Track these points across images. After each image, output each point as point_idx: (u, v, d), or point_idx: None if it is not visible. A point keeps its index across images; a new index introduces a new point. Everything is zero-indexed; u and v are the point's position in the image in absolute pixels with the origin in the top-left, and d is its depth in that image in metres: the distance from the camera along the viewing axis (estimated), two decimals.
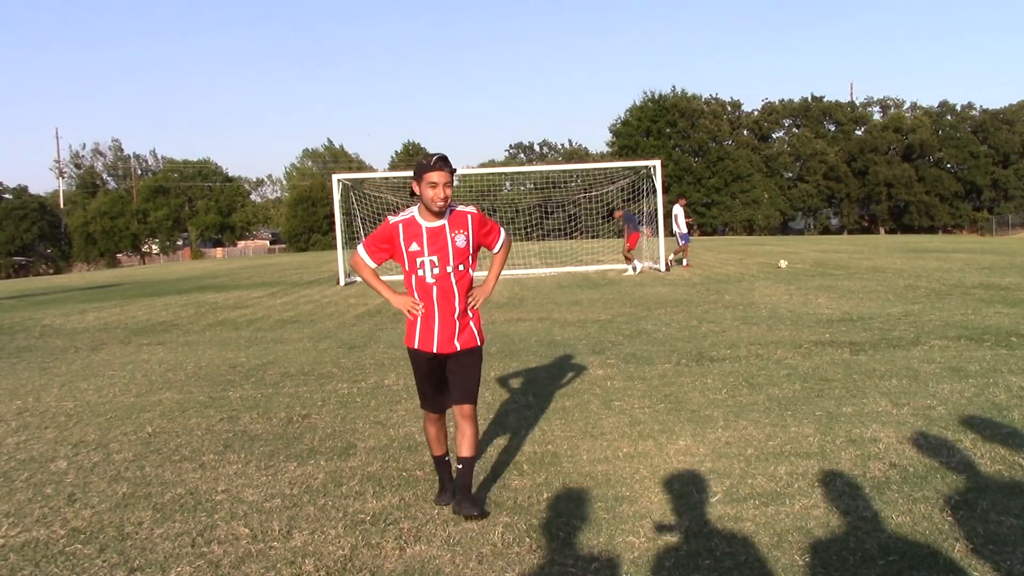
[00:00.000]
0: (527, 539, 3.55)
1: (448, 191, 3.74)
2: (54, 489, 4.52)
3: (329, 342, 9.66)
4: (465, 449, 3.91)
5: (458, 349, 3.89)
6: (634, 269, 18.91)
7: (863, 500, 3.82)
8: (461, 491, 3.88)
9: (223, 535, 3.74)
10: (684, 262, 20.20)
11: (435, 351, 3.87)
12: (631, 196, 24.98)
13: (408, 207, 3.93)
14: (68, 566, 3.47)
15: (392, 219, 3.88)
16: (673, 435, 5.02)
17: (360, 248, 3.96)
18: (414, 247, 3.80)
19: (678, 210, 20.06)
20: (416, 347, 3.89)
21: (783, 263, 19.33)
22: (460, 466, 3.91)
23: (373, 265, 3.93)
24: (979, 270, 15.95)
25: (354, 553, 3.48)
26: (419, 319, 3.86)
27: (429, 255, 3.79)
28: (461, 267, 3.86)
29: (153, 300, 16.99)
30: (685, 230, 19.94)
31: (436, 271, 3.81)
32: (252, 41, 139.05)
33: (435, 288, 3.83)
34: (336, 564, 3.38)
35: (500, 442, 5.09)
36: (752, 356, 7.51)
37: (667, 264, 19.66)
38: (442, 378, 3.98)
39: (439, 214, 3.78)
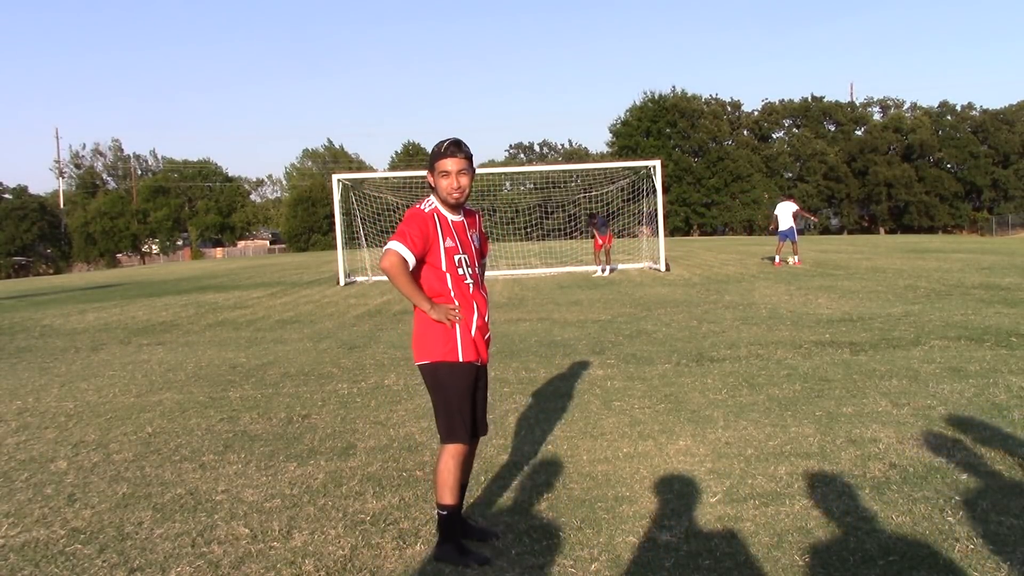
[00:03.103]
0: (527, 539, 3.55)
1: (464, 180, 3.33)
2: (54, 489, 4.52)
3: (329, 342, 9.66)
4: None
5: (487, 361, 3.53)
6: (601, 271, 19.06)
7: (863, 500, 3.82)
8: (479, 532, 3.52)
9: (223, 535, 3.74)
10: (776, 259, 19.45)
11: (480, 361, 3.44)
12: (631, 196, 25.01)
13: (425, 198, 3.47)
14: (68, 566, 3.47)
15: (422, 207, 3.39)
16: (673, 435, 5.02)
17: (395, 244, 3.26)
18: (449, 242, 3.36)
19: (781, 207, 19.41)
20: (461, 359, 3.35)
21: (792, 259, 19.61)
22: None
23: (413, 261, 3.28)
24: (979, 270, 15.95)
25: (354, 553, 3.48)
26: (458, 326, 3.36)
27: (463, 252, 3.41)
28: (478, 269, 3.53)
29: (153, 300, 16.99)
30: (783, 227, 19.20)
31: (469, 270, 3.44)
32: (252, 41, 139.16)
33: (471, 288, 3.43)
34: (336, 564, 3.38)
35: (500, 442, 5.09)
36: (752, 356, 7.51)
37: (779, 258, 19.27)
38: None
39: (456, 207, 3.41)
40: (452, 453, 3.36)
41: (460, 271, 3.39)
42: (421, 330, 3.39)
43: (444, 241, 3.35)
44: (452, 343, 3.34)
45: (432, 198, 3.43)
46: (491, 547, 3.48)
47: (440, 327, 3.34)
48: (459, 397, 3.36)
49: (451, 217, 3.41)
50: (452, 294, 3.38)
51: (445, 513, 3.38)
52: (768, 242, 34.85)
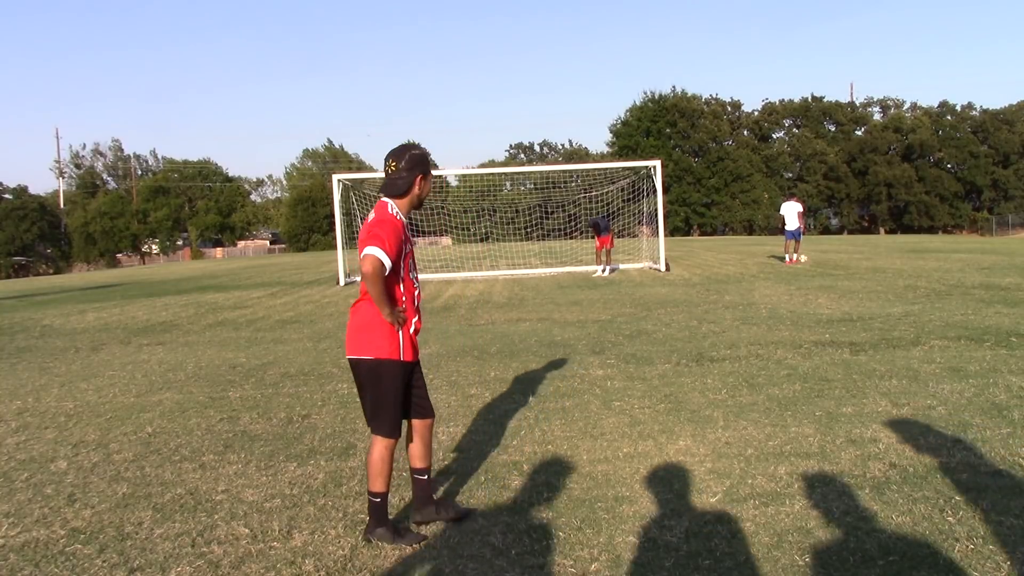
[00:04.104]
0: (527, 539, 3.55)
1: None
2: (54, 489, 4.52)
3: (329, 342, 9.66)
4: (429, 457, 3.75)
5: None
6: (602, 271, 18.99)
7: (863, 500, 3.82)
8: (432, 500, 3.74)
9: (223, 535, 3.74)
10: (787, 258, 19.96)
11: (415, 359, 3.66)
12: (631, 196, 25.00)
13: (386, 203, 3.53)
14: (68, 566, 3.47)
15: (393, 214, 3.49)
16: (673, 435, 5.02)
17: (377, 251, 3.34)
18: (407, 247, 3.57)
19: (786, 207, 19.91)
20: (401, 358, 3.53)
21: (803, 257, 20.21)
22: (426, 477, 3.73)
23: (389, 267, 3.39)
24: (979, 270, 15.95)
25: (354, 553, 3.48)
26: (401, 329, 3.54)
27: (413, 257, 3.64)
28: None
29: (153, 300, 17.00)
30: (790, 227, 19.77)
31: (415, 274, 3.66)
32: (252, 41, 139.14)
33: (417, 292, 3.65)
34: (336, 564, 3.38)
35: (500, 442, 5.08)
36: (752, 356, 7.51)
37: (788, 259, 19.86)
38: None
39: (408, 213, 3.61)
40: (388, 446, 3.56)
41: (412, 275, 3.61)
42: (365, 325, 3.50)
43: (405, 247, 3.54)
44: (396, 343, 3.51)
45: (393, 204, 3.52)
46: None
47: (387, 326, 3.49)
48: (397, 394, 3.55)
49: (406, 223, 3.59)
50: (403, 297, 3.55)
51: (378, 500, 3.56)
52: (768, 242, 34.87)
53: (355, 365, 3.56)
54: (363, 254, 3.36)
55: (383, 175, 3.59)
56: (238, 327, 11.57)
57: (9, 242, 59.13)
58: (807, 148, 63.88)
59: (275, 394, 6.79)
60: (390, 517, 3.68)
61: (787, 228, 19.91)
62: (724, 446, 4.76)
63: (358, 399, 6.38)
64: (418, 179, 3.51)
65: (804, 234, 19.95)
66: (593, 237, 19.27)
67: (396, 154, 3.52)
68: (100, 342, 10.60)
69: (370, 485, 3.57)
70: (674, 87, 67.84)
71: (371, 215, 3.56)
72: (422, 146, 3.56)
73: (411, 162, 3.49)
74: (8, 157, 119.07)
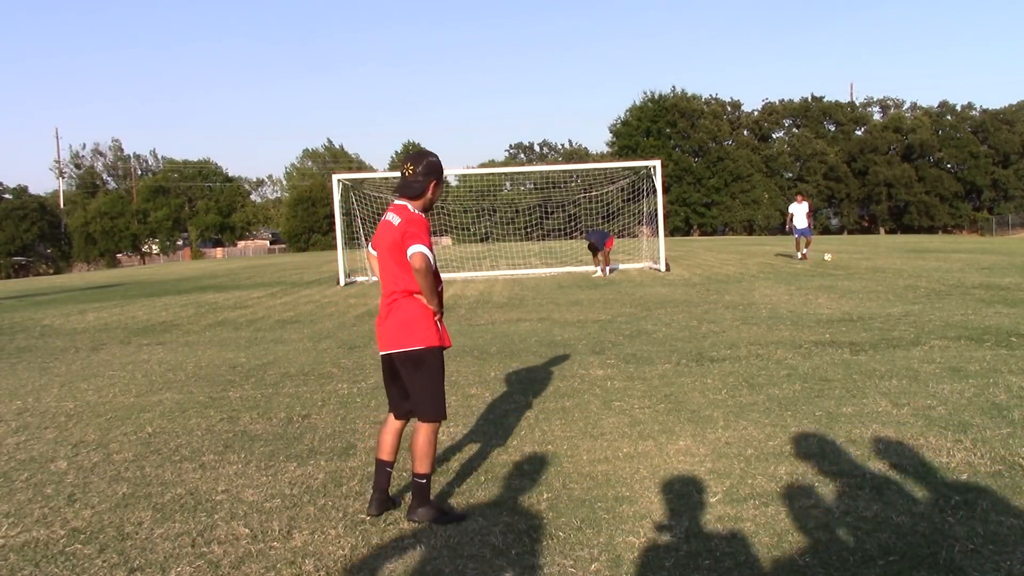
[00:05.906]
0: (527, 539, 3.55)
1: None
2: (54, 489, 4.52)
3: (329, 342, 9.66)
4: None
5: None
6: (601, 271, 18.94)
7: (863, 500, 3.82)
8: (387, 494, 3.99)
9: (223, 535, 3.74)
10: (800, 254, 20.95)
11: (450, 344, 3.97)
12: (631, 196, 25.00)
13: (407, 203, 3.73)
14: (68, 566, 3.47)
15: (417, 213, 3.70)
16: (673, 435, 5.02)
17: (424, 248, 3.57)
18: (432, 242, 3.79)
19: (794, 208, 21.18)
20: (441, 344, 3.80)
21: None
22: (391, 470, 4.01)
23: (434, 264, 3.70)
24: (979, 270, 15.95)
25: (354, 553, 3.48)
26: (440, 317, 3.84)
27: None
28: None
29: (153, 300, 16.99)
30: (799, 225, 20.95)
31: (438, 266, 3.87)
32: (252, 41, 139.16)
33: (441, 283, 3.82)
34: (336, 564, 3.38)
35: (500, 442, 5.09)
36: (752, 356, 7.51)
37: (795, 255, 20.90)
38: None
39: None
40: (438, 428, 3.80)
41: (435, 267, 3.80)
42: (412, 318, 3.69)
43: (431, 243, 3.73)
44: (437, 331, 3.76)
45: (411, 206, 3.72)
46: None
47: (430, 317, 3.72)
48: (443, 378, 3.83)
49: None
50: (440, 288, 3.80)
51: (424, 482, 3.74)
52: (768, 242, 34.86)
53: (401, 358, 3.73)
54: (411, 252, 3.54)
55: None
56: (238, 327, 11.57)
57: (9, 242, 59.11)
58: (807, 148, 63.87)
59: (275, 394, 6.79)
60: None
61: (796, 227, 21.01)
62: (724, 446, 4.76)
63: (359, 399, 6.43)
64: (432, 184, 3.71)
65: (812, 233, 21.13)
66: (594, 255, 19.20)
67: (415, 159, 3.72)
68: (100, 342, 10.60)
69: (419, 467, 3.74)
70: (674, 87, 67.97)
71: (392, 218, 3.71)
72: (437, 155, 3.74)
73: (427, 168, 3.70)
74: (8, 157, 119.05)
